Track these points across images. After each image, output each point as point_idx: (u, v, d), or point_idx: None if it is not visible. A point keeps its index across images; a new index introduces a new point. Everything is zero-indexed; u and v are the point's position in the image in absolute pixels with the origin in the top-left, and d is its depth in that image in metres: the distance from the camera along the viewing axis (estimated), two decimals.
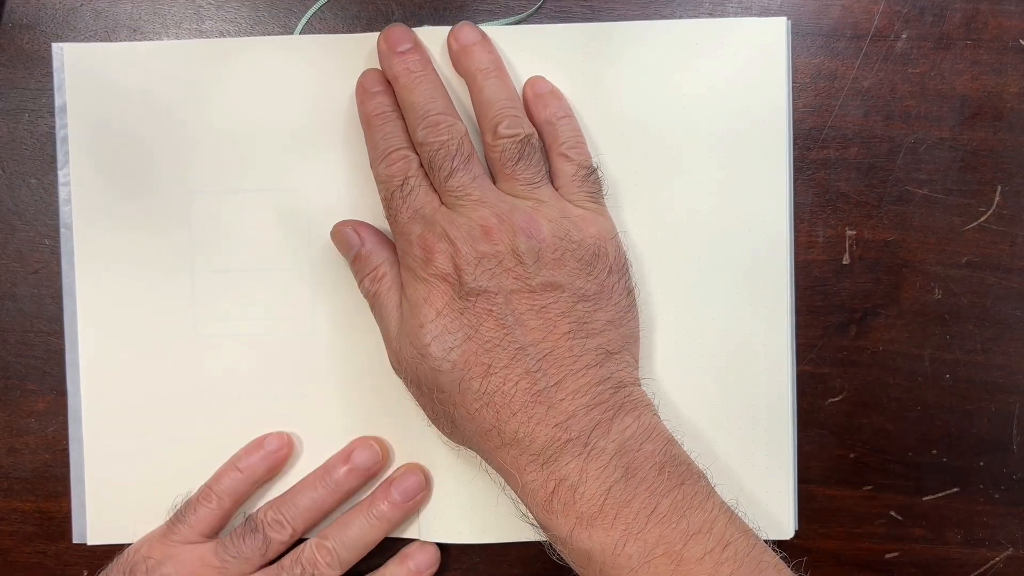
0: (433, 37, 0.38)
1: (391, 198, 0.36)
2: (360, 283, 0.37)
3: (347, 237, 0.37)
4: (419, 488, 0.38)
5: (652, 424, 0.34)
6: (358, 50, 0.39)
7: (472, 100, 0.37)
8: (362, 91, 0.37)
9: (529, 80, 0.38)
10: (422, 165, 0.36)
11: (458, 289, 0.34)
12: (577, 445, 0.32)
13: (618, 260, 0.36)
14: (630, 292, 0.37)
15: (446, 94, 0.37)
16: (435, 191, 0.36)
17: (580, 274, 0.35)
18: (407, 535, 0.39)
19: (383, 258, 0.37)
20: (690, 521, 0.31)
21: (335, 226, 0.38)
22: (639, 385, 0.35)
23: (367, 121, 0.37)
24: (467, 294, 0.33)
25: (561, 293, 0.34)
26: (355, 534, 0.37)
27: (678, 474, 0.33)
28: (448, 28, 0.38)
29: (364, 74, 0.37)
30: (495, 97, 0.37)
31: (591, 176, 0.37)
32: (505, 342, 0.33)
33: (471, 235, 0.34)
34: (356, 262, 0.37)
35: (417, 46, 0.37)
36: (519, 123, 0.36)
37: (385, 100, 0.37)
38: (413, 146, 0.36)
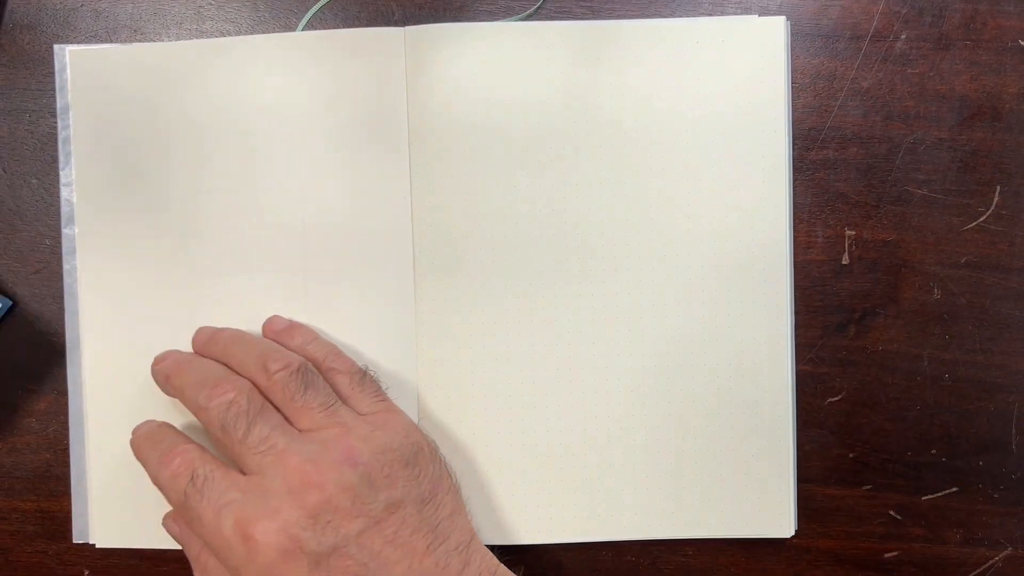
0: (434, 36, 0.38)
1: (186, 501, 0.32)
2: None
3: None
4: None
5: None
6: (361, 45, 0.39)
7: (230, 367, 0.36)
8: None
9: (265, 324, 0.38)
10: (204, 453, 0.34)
11: (306, 561, 0.30)
12: None
13: (428, 444, 0.35)
14: (441, 461, 0.35)
15: (221, 367, 0.35)
16: (232, 471, 0.33)
17: (411, 480, 0.33)
18: None
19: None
20: None
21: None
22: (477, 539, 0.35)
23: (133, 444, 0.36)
24: (318, 562, 0.30)
25: (405, 509, 0.32)
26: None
27: None
28: (450, 26, 0.38)
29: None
30: (250, 346, 0.36)
31: (365, 378, 0.36)
32: None
33: (293, 494, 0.31)
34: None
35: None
36: (286, 354, 0.35)
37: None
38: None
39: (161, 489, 0.33)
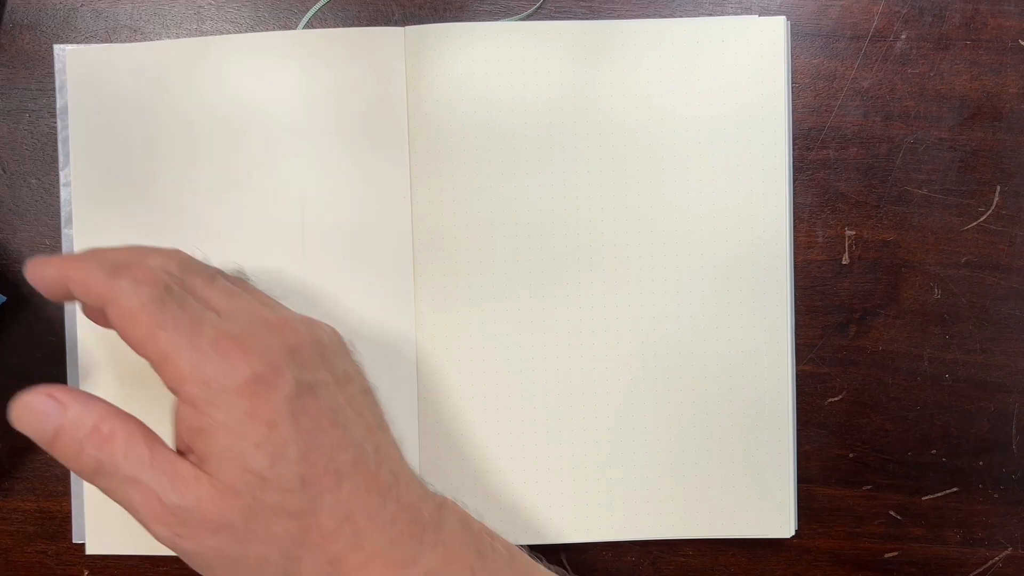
0: (434, 36, 0.38)
1: (163, 307, 0.28)
2: (77, 459, 0.28)
3: (40, 410, 0.28)
4: None
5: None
6: (361, 44, 0.39)
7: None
8: None
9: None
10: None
11: (283, 393, 0.28)
12: (430, 531, 0.30)
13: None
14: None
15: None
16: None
17: (357, 366, 0.33)
18: None
19: (100, 412, 0.28)
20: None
21: (15, 406, 0.29)
22: None
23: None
24: (297, 395, 0.28)
25: (356, 384, 0.31)
26: None
27: (502, 541, 0.32)
28: (450, 26, 0.38)
29: None
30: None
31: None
32: (344, 442, 0.29)
33: (271, 328, 0.29)
34: (62, 436, 0.28)
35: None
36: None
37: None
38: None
39: (122, 295, 0.28)
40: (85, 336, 0.39)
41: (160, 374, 0.28)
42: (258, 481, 0.28)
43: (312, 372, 0.29)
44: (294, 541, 0.28)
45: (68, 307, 0.39)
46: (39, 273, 0.30)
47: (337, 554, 0.28)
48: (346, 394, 0.30)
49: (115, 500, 0.28)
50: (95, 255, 0.30)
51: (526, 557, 0.32)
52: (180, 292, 0.29)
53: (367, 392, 0.32)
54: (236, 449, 0.27)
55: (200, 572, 0.29)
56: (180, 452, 0.29)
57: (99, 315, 0.30)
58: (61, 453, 0.28)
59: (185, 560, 0.28)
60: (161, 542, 0.28)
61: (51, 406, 0.28)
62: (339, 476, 0.29)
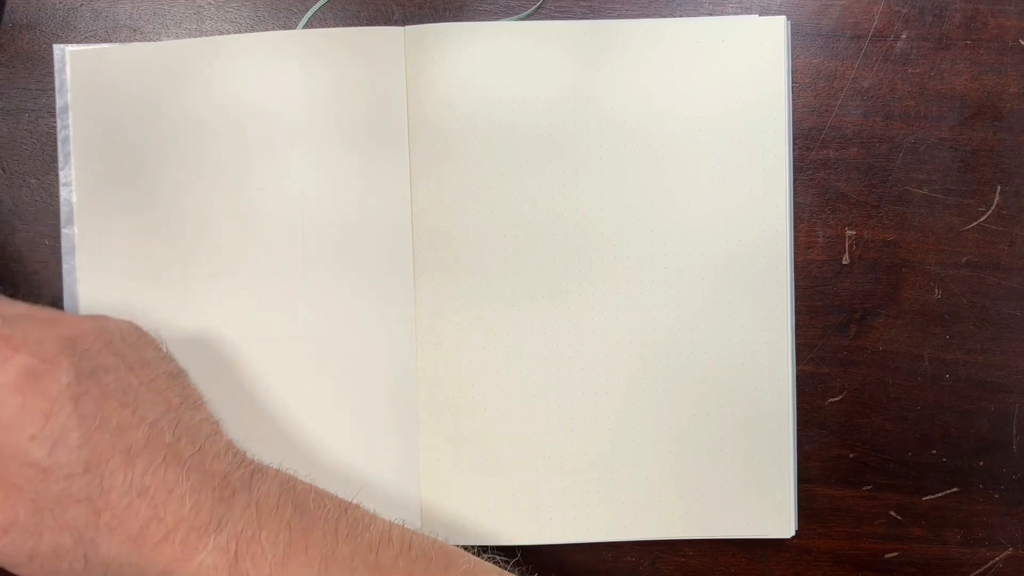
0: (434, 36, 0.38)
1: None
2: None
3: None
4: None
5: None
6: (361, 43, 0.39)
7: None
8: None
9: None
10: None
11: (63, 378, 0.29)
12: (241, 494, 0.30)
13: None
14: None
15: None
16: None
17: (162, 356, 0.34)
18: None
19: None
20: (371, 533, 0.31)
21: None
22: None
23: None
24: (78, 379, 0.29)
25: (157, 369, 0.32)
26: None
27: (335, 499, 0.32)
28: (450, 26, 0.38)
29: None
30: None
31: None
32: (135, 420, 0.30)
33: (46, 324, 0.30)
34: None
35: None
36: None
37: None
38: None
39: None
40: None
41: None
42: (38, 473, 0.28)
43: (94, 359, 0.30)
44: (87, 525, 0.28)
45: (68, 307, 0.39)
46: None
47: (136, 531, 0.29)
48: (141, 377, 0.31)
49: None
50: None
51: (362, 511, 0.32)
52: None
53: (173, 376, 0.33)
54: (13, 445, 0.28)
55: (8, 570, 0.29)
56: None
57: None
58: None
59: None
60: None
61: None
62: (129, 454, 0.29)
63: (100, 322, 0.32)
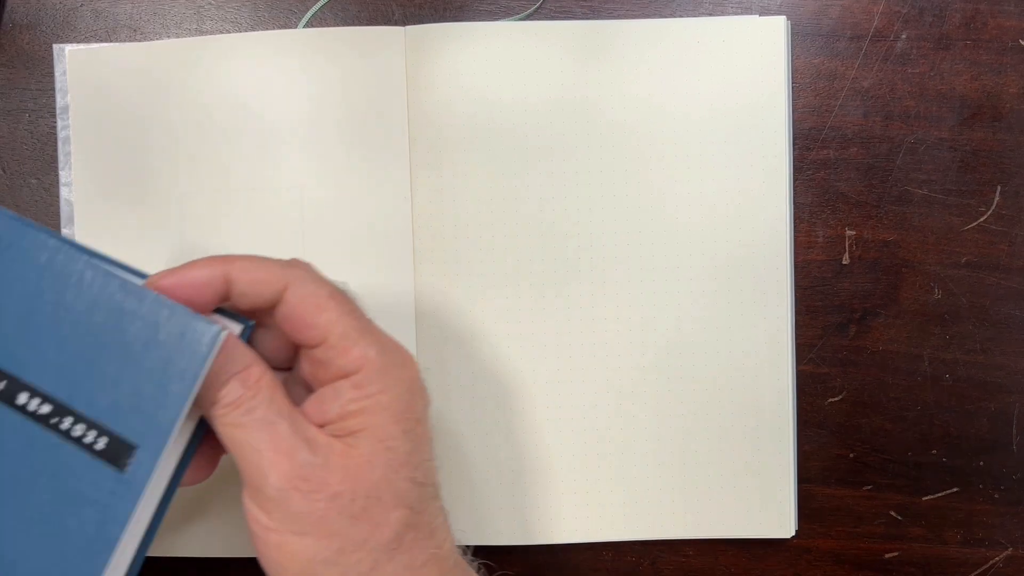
0: (434, 36, 0.38)
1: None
2: (219, 386, 0.28)
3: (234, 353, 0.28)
4: None
5: None
6: (362, 43, 0.39)
7: None
8: None
9: None
10: None
11: (426, 399, 0.31)
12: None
13: None
14: None
15: None
16: None
17: None
18: None
19: (255, 358, 0.29)
20: None
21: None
22: None
23: None
24: (426, 407, 0.31)
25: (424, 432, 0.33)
26: None
27: None
28: (450, 26, 0.38)
29: None
30: None
31: None
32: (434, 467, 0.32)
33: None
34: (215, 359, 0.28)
35: None
36: None
37: None
38: None
39: (308, 281, 0.30)
40: None
41: (334, 355, 0.29)
42: (396, 460, 0.29)
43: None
44: (397, 534, 0.29)
45: None
46: (185, 279, 0.29)
47: (418, 563, 0.29)
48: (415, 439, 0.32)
49: (232, 440, 0.28)
50: (243, 256, 0.30)
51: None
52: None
53: (430, 441, 0.33)
54: (387, 430, 0.29)
55: (279, 539, 0.28)
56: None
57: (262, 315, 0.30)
58: (223, 411, 0.28)
59: (268, 524, 0.28)
60: (264, 494, 0.28)
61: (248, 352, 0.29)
62: (436, 489, 0.31)
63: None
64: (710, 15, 0.39)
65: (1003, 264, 0.40)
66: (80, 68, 0.39)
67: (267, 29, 0.40)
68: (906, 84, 0.40)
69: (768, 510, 0.39)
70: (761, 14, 0.39)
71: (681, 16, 0.39)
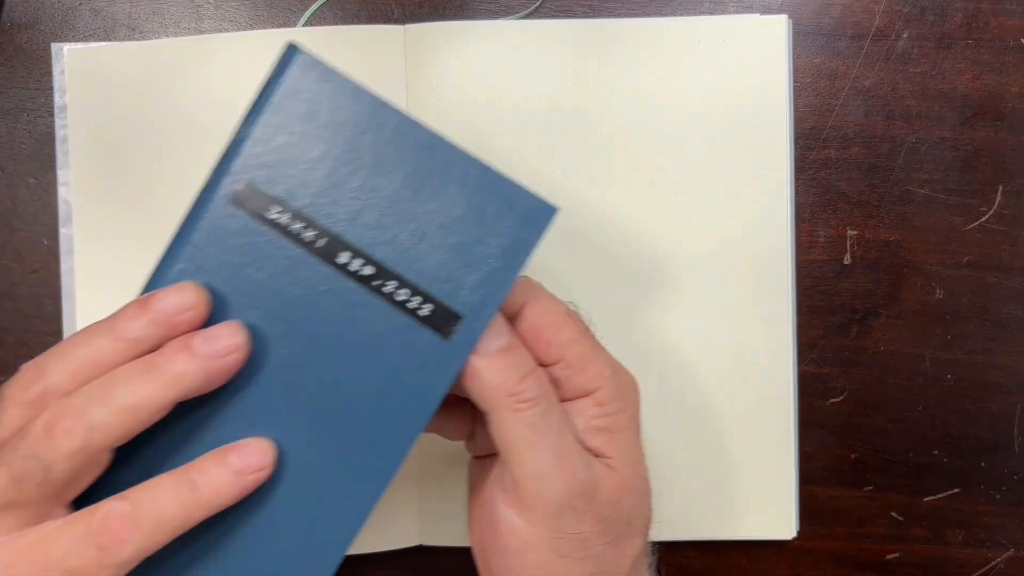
0: (434, 34, 0.38)
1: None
2: (518, 381, 0.28)
3: (495, 322, 0.28)
4: (263, 461, 0.27)
5: None
6: (361, 42, 0.39)
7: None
8: None
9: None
10: None
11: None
12: None
13: None
14: None
15: None
16: None
17: None
18: (407, 543, 0.39)
19: (535, 364, 0.29)
20: None
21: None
22: None
23: None
24: None
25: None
26: (170, 511, 0.26)
27: None
28: (449, 25, 0.38)
29: None
30: None
31: None
32: None
33: None
34: (511, 354, 0.28)
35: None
36: None
37: None
38: None
39: (549, 301, 0.30)
40: None
41: (572, 373, 0.29)
42: (645, 487, 0.30)
43: None
44: (634, 562, 0.29)
45: (66, 308, 0.39)
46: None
47: None
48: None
49: (517, 437, 0.27)
50: None
51: None
52: None
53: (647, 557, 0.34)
54: (633, 454, 0.29)
55: (539, 558, 0.28)
56: None
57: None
58: (500, 366, 0.28)
59: (529, 541, 0.28)
60: (535, 510, 0.27)
61: (505, 325, 0.28)
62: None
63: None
64: (711, 14, 0.39)
65: (1005, 264, 0.40)
66: (78, 67, 0.39)
67: (266, 28, 0.39)
68: (907, 83, 0.40)
69: (769, 511, 0.39)
70: (762, 13, 0.39)
71: (682, 15, 0.39)
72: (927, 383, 0.40)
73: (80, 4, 0.39)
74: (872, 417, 0.40)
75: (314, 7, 0.39)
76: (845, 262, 0.40)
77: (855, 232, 0.40)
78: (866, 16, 0.40)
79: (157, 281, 0.28)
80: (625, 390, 0.30)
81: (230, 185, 0.28)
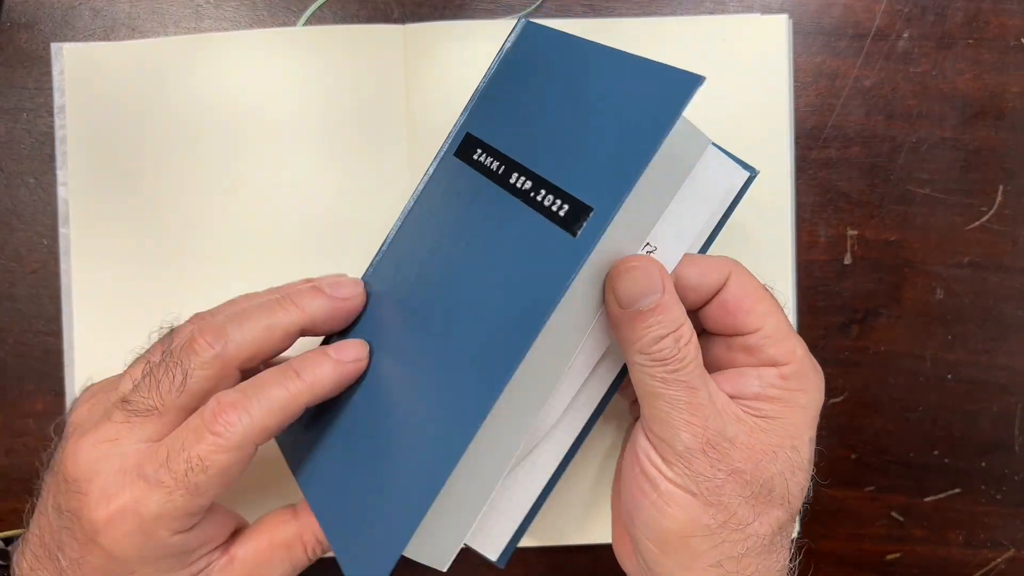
0: (433, 34, 0.38)
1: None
2: (653, 341, 0.28)
3: (649, 276, 0.29)
4: (359, 353, 0.31)
5: None
6: (361, 41, 0.38)
7: None
8: None
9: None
10: None
11: None
12: None
13: None
14: None
15: None
16: None
17: None
18: None
19: (683, 314, 0.29)
20: None
21: (627, 262, 0.29)
22: None
23: None
24: None
25: None
26: (275, 393, 0.29)
27: None
28: (449, 24, 0.38)
29: None
30: None
31: None
32: None
33: None
34: (660, 312, 0.29)
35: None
36: None
37: None
38: None
39: (748, 275, 0.32)
40: (80, 336, 0.39)
41: (767, 344, 0.30)
42: (795, 463, 0.30)
43: None
44: (773, 533, 0.30)
45: (65, 307, 0.39)
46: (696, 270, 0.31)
47: (775, 569, 0.30)
48: None
49: (651, 391, 0.29)
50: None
51: None
52: None
53: None
54: (798, 429, 0.30)
55: (672, 489, 0.29)
56: None
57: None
58: (648, 323, 0.28)
59: (666, 472, 0.29)
60: (671, 447, 0.29)
61: (656, 279, 0.29)
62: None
63: None
64: (711, 14, 0.39)
65: (1006, 264, 0.40)
66: (78, 67, 0.39)
67: (266, 27, 0.39)
68: (908, 83, 0.40)
69: None
70: (763, 13, 0.39)
71: (682, 15, 0.39)
72: (928, 383, 0.40)
73: (80, 4, 0.39)
74: (873, 417, 0.40)
75: (314, 7, 0.39)
76: (846, 262, 0.40)
77: (856, 232, 0.40)
78: (867, 16, 0.40)
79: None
80: (811, 376, 0.31)
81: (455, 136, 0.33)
